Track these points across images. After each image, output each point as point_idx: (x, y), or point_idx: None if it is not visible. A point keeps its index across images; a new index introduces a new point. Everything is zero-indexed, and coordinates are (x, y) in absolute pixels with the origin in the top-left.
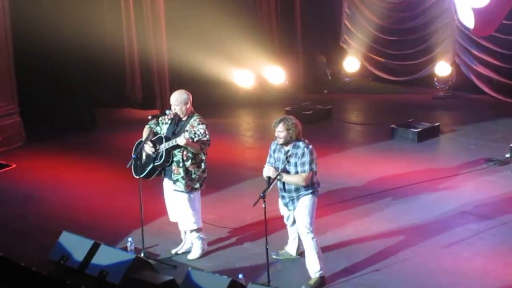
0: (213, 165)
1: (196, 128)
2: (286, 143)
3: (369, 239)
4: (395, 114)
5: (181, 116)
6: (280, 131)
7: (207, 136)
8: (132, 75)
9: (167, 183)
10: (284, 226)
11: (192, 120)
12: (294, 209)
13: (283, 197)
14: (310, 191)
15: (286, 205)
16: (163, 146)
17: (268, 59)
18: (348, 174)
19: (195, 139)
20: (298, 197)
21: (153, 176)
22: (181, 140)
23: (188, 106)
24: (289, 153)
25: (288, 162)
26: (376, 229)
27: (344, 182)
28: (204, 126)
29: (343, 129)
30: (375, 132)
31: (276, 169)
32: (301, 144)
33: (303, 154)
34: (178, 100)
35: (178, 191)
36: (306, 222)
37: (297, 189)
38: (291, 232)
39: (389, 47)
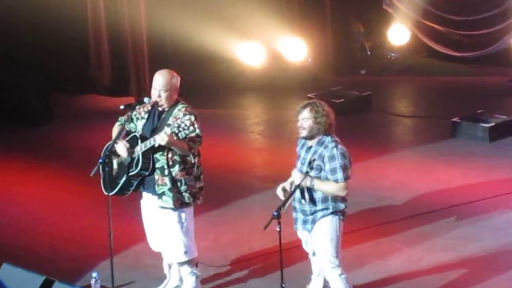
0: (210, 174)
1: (181, 120)
2: (310, 137)
3: (423, 274)
4: (458, 104)
5: (165, 106)
6: (305, 119)
7: (197, 130)
8: (98, 50)
9: (147, 198)
10: (306, 257)
11: (176, 111)
12: (307, 230)
13: (294, 209)
14: (330, 210)
15: (295, 220)
16: (139, 149)
17: (284, 29)
18: (395, 186)
19: (181, 136)
20: (313, 217)
21: (129, 192)
22: (161, 138)
23: (177, 93)
24: (312, 152)
25: (312, 168)
26: (433, 261)
27: (389, 197)
28: (192, 117)
29: (388, 123)
30: (431, 127)
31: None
32: (328, 142)
33: (332, 157)
34: (167, 84)
35: (166, 208)
36: (328, 254)
37: (312, 203)
38: (315, 264)
39: (450, 11)
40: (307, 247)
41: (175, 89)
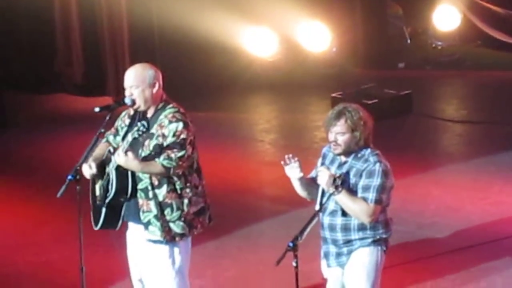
0: (208, 194)
1: (166, 128)
2: (347, 153)
3: None
4: None
5: (141, 107)
6: (340, 133)
7: (179, 140)
8: (67, 40)
9: (132, 229)
10: None
11: (162, 116)
12: (340, 265)
13: (324, 240)
14: (370, 239)
15: (325, 256)
16: (111, 166)
17: (302, 11)
18: (441, 210)
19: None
20: (348, 249)
21: (119, 223)
22: (117, 155)
23: (155, 90)
24: (347, 168)
25: (336, 187)
26: None
27: (434, 224)
28: (179, 125)
29: (432, 130)
30: (487, 136)
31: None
32: (370, 156)
33: (370, 173)
34: (137, 78)
35: (153, 241)
36: None
37: (345, 230)
38: None
39: None
40: None
41: (150, 85)
